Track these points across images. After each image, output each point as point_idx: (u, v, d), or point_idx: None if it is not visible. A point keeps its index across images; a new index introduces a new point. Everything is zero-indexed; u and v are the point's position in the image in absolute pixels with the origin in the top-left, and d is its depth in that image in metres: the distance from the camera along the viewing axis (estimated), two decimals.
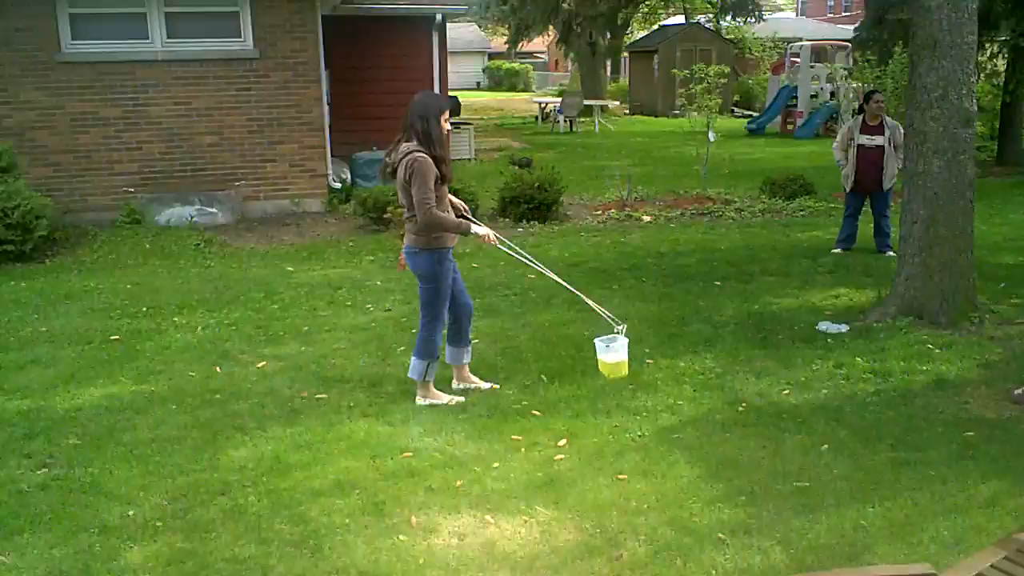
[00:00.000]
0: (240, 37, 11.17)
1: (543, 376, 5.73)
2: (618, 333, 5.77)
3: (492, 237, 5.38)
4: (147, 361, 6.21)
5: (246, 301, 7.71)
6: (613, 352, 5.74)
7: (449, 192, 5.33)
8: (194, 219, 10.89)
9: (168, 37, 10.98)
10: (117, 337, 6.74)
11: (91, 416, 5.24)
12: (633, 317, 7.00)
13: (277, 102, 11.35)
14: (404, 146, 5.04)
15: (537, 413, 5.14)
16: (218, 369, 6.03)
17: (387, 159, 5.18)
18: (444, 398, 5.41)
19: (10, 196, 9.13)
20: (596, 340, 5.83)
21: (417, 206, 4.99)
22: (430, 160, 4.96)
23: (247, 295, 7.90)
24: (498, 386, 5.61)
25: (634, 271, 8.69)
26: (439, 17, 15.15)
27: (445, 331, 5.50)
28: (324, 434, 4.90)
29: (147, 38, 10.93)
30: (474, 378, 5.71)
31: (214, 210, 11.07)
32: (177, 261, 9.38)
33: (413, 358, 5.39)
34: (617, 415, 5.09)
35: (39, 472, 4.53)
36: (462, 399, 5.41)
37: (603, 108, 26.10)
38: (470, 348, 5.70)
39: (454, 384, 5.64)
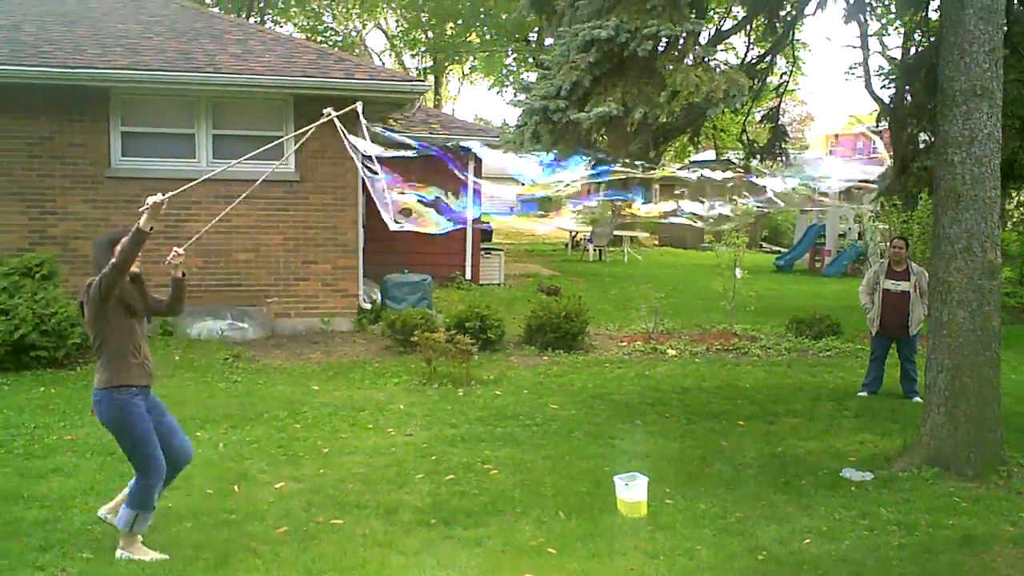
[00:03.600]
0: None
1: (560, 512, 5.68)
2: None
3: (158, 198, 4.60)
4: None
5: (270, 419, 7.76)
6: (632, 491, 5.69)
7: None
8: (225, 333, 11.06)
9: (214, 157, 11.40)
10: None
11: (107, 530, 5.22)
12: (654, 455, 6.97)
13: (314, 223, 11.67)
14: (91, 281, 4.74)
15: (552, 551, 5.07)
16: (236, 488, 6.03)
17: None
18: (149, 555, 4.87)
19: (48, 303, 9.35)
20: (616, 478, 5.79)
21: (89, 321, 4.75)
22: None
23: (271, 413, 7.95)
24: (167, 557, 4.88)
25: (657, 406, 8.66)
26: (475, 147, 15.58)
27: None
28: (337, 562, 4.86)
29: (194, 157, 11.36)
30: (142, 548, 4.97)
31: (245, 325, 11.25)
32: (205, 374, 9.48)
33: (124, 506, 4.89)
34: (634, 557, 5.01)
35: None
36: (166, 557, 4.86)
37: (633, 239, 26.46)
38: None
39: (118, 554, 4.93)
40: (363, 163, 5.31)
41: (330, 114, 5.21)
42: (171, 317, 5.79)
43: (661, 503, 5.85)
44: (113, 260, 4.60)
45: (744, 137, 13.81)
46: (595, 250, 24.13)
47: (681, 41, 7.42)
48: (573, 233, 26.52)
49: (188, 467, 6.33)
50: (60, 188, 11.02)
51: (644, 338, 12.02)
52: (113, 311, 4.77)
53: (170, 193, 4.74)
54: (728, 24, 19.51)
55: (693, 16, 7.63)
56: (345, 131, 5.33)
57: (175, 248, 5.01)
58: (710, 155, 34.66)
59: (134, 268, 4.83)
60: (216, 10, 24.40)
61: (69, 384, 8.88)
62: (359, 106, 5.33)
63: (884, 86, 15.56)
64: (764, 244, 30.25)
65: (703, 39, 11.17)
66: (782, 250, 27.75)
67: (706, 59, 8.01)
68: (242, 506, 5.69)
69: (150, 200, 4.57)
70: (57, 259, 10.13)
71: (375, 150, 5.28)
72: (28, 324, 9.09)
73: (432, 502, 5.85)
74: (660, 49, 7.32)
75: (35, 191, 10.94)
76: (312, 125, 5.31)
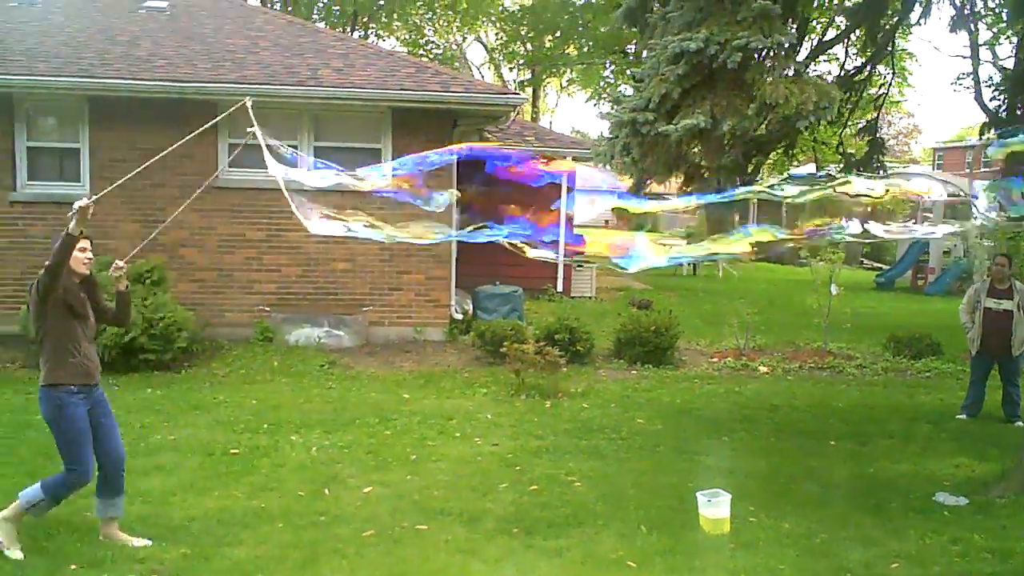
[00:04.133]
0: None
1: (642, 526, 5.68)
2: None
3: (85, 202, 4.62)
4: (262, 477, 6.48)
5: (361, 425, 7.97)
6: (715, 507, 5.66)
7: None
8: (321, 340, 11.39)
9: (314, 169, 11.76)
10: (237, 451, 7.07)
11: (203, 527, 5.48)
12: (740, 472, 6.90)
13: None
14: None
15: (632, 565, 5.09)
16: (326, 491, 6.23)
17: None
18: (9, 545, 4.94)
19: (156, 308, 9.82)
20: (698, 494, 5.77)
21: (31, 318, 4.99)
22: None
23: (363, 419, 8.17)
24: (149, 542, 5.13)
25: (745, 423, 8.57)
26: (569, 159, 15.73)
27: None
28: (420, 566, 4.98)
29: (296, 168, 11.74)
30: (122, 535, 5.21)
31: (341, 333, 11.57)
32: (301, 380, 9.79)
33: (38, 483, 5.04)
34: (714, 574, 4.99)
35: None
36: (19, 556, 4.90)
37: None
38: (119, 502, 5.25)
39: (100, 539, 5.18)
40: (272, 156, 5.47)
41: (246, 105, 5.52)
42: (119, 327, 5.88)
43: (744, 521, 5.79)
44: (47, 262, 4.75)
45: (841, 149, 13.53)
46: (689, 264, 23.92)
47: (772, 53, 7.36)
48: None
49: (281, 470, 6.59)
50: (170, 197, 11.52)
51: (735, 354, 11.88)
52: (53, 310, 4.91)
53: (95, 197, 4.89)
54: (831, 34, 19.14)
55: (786, 27, 7.56)
56: (261, 134, 5.52)
57: (117, 261, 5.16)
58: (811, 169, 33.96)
59: (83, 270, 5.04)
60: (321, 25, 25.15)
61: (174, 386, 9.29)
62: (248, 101, 5.51)
63: (994, 97, 15.03)
64: (864, 260, 29.45)
65: (804, 50, 11.04)
66: (883, 267, 26.98)
67: (804, 70, 7.93)
68: (331, 508, 5.88)
69: (77, 204, 4.62)
70: (165, 266, 10.63)
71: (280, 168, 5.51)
72: (138, 328, 9.56)
73: (515, 511, 5.93)
74: (751, 61, 7.28)
75: (147, 200, 11.47)
76: (220, 117, 5.60)
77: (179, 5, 14.37)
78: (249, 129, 5.35)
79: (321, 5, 29.64)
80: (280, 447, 7.22)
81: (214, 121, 5.89)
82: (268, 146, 5.39)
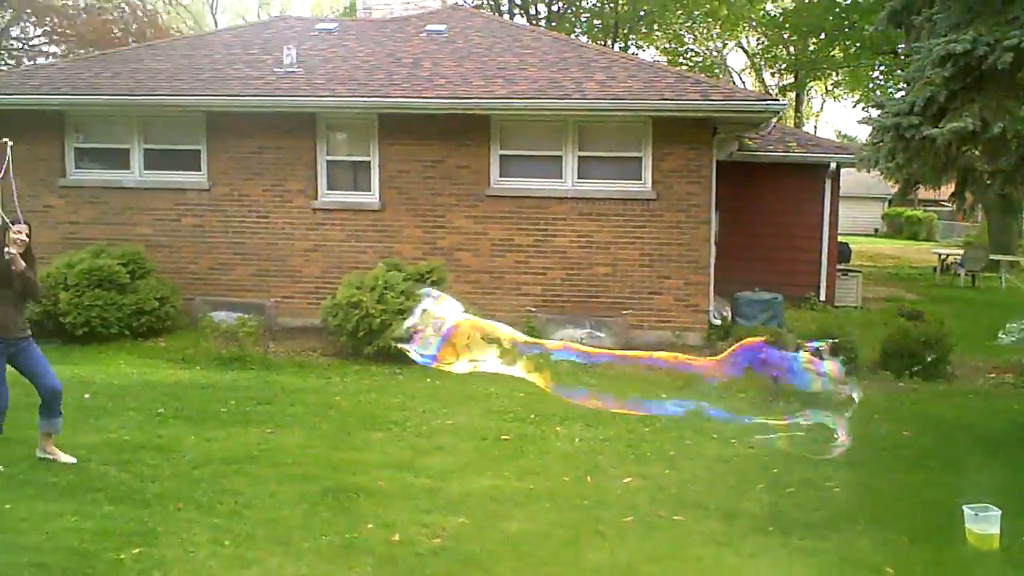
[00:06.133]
0: (640, 180, 12.23)
1: (904, 536, 5.63)
2: None
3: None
4: (529, 462, 7.02)
5: (621, 421, 8.33)
6: (983, 522, 5.50)
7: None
8: (583, 341, 11.90)
9: (578, 178, 12.34)
10: (507, 437, 7.67)
11: (478, 502, 6.06)
12: (1014, 489, 6.58)
13: (668, 240, 12.18)
14: None
15: (891, 571, 5.09)
16: (589, 479, 6.65)
17: None
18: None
19: None
20: (966, 507, 5.63)
21: None
22: None
23: (623, 415, 8.53)
24: (74, 460, 6.60)
25: None
26: (833, 165, 15.37)
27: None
28: (676, 553, 5.27)
29: (561, 178, 12.37)
30: (56, 450, 6.67)
31: (602, 334, 12.03)
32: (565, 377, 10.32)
33: None
34: None
35: (433, 540, 5.39)
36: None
37: (1012, 264, 24.11)
38: (57, 422, 6.69)
39: (38, 453, 6.67)
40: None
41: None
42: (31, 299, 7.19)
43: (1016, 539, 5.57)
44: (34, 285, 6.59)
45: None
46: (967, 275, 22.36)
47: None
48: (943, 256, 24.76)
49: (547, 457, 7.09)
50: (448, 205, 12.53)
51: (1017, 370, 11.12)
52: None
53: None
54: None
55: None
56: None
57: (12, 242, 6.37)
58: None
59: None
60: (584, 39, 25.94)
61: (452, 378, 10.00)
62: (7, 144, 6.37)
63: None
64: None
65: None
66: None
67: None
68: (593, 494, 6.29)
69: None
70: (443, 267, 11.57)
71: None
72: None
73: (771, 511, 6.06)
74: None
75: (428, 208, 12.54)
76: None
77: (456, 28, 15.48)
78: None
79: (583, 19, 30.50)
80: (546, 436, 7.75)
81: None
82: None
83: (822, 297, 15.90)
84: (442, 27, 15.36)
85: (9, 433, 7.15)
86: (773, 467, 7.06)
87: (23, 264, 6.46)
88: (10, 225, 6.42)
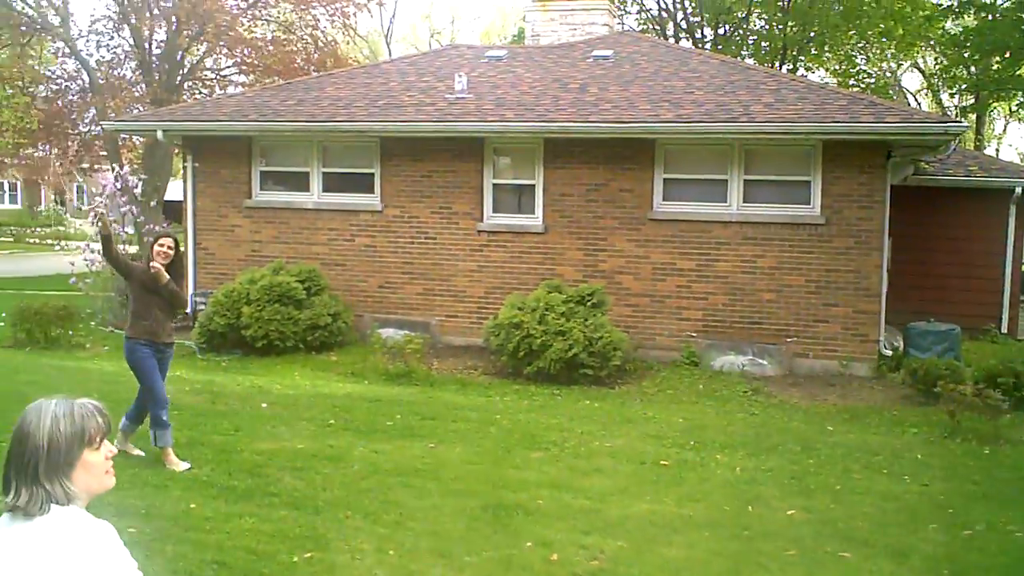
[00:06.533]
0: (808, 204, 11.92)
1: None
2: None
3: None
4: (689, 488, 6.95)
5: (783, 451, 8.14)
6: None
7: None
8: (745, 368, 11.68)
9: (743, 201, 12.15)
10: (666, 463, 7.62)
11: (637, 526, 6.06)
12: None
13: (836, 266, 11.80)
14: None
15: None
16: (750, 508, 6.52)
17: None
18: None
19: (596, 328, 10.80)
20: None
21: None
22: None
23: (784, 446, 8.33)
24: (189, 466, 6.95)
25: None
26: (1018, 190, 14.48)
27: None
28: None
29: (725, 201, 12.22)
30: (174, 459, 7.00)
31: (764, 362, 11.77)
32: (725, 404, 10.17)
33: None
34: None
35: (591, 562, 5.43)
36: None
37: None
38: (166, 434, 6.96)
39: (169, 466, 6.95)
40: None
41: None
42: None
43: None
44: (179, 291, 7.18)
45: None
46: None
47: None
48: None
49: (707, 484, 7.00)
50: (610, 228, 12.59)
51: None
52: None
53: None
54: None
55: None
56: None
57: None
58: None
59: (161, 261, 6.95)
60: (751, 62, 25.51)
61: (608, 400, 10.16)
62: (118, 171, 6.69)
63: None
64: None
65: None
66: None
67: None
68: (754, 524, 6.17)
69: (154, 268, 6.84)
70: (604, 290, 11.63)
71: None
72: (579, 345, 10.60)
73: (946, 552, 5.77)
74: None
75: (590, 230, 12.64)
76: None
77: (623, 52, 15.57)
78: None
79: (750, 42, 29.96)
80: (706, 463, 7.65)
81: None
82: None
83: (1003, 329, 14.97)
84: (608, 52, 15.49)
85: (193, 436, 7.72)
86: (948, 507, 6.72)
87: (167, 277, 6.91)
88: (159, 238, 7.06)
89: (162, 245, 6.96)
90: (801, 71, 30.18)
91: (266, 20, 25.34)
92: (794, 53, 29.60)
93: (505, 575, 5.21)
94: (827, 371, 11.82)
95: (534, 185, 13.00)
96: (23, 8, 24.32)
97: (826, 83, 23.72)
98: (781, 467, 7.64)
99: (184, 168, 14.62)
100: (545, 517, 6.18)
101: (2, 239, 43.38)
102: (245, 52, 23.97)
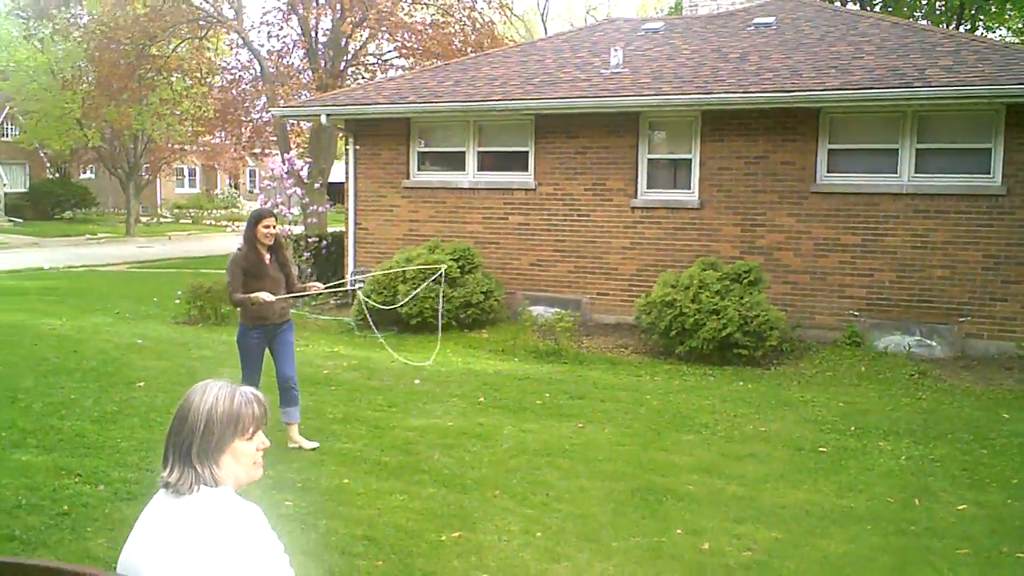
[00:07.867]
0: (988, 173, 11.09)
1: None
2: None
3: (263, 297, 6.62)
4: (849, 477, 6.60)
5: (953, 440, 7.63)
6: None
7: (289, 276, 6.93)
8: (911, 349, 11.02)
9: (915, 172, 11.42)
10: (825, 449, 7.27)
11: (793, 516, 5.80)
12: None
13: (1018, 240, 10.94)
14: None
15: None
16: (917, 501, 6.13)
17: None
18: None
19: (752, 307, 10.43)
20: None
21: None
22: (238, 256, 6.74)
23: (955, 434, 7.80)
24: (318, 445, 6.97)
25: None
26: None
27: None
28: None
29: (895, 172, 11.52)
30: (300, 438, 7.02)
31: (933, 343, 11.07)
32: (889, 388, 9.63)
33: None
34: None
35: (744, 553, 5.23)
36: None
37: None
38: (293, 411, 7.00)
39: (289, 444, 6.93)
40: None
41: None
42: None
43: None
44: (230, 299, 7.02)
45: None
46: None
47: None
48: None
49: (869, 474, 6.66)
50: (769, 203, 12.11)
51: None
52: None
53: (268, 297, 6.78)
54: None
55: None
56: None
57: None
58: None
59: (267, 242, 6.84)
60: (925, 23, 23.99)
61: (763, 382, 9.81)
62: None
63: None
64: None
65: None
66: None
67: None
68: (922, 519, 5.79)
69: (262, 297, 6.64)
70: (762, 267, 11.22)
71: None
72: (734, 324, 10.27)
73: None
74: None
75: (748, 205, 12.21)
76: None
77: (786, 19, 14.92)
78: None
79: (924, 2, 28.14)
80: (868, 451, 7.25)
81: None
82: None
83: None
84: (770, 19, 14.87)
85: (349, 411, 7.96)
86: None
87: (274, 296, 6.79)
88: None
89: (267, 226, 6.76)
90: (981, 31, 28.17)
91: (425, 4, 25.79)
92: (972, 12, 27.63)
93: (654, 563, 5.08)
94: (1003, 353, 10.99)
95: (690, 159, 12.66)
96: (201, 3, 25.74)
97: (1010, 43, 21.98)
98: (951, 457, 7.15)
99: (346, 151, 15.07)
100: (695, 503, 6.01)
101: (182, 221, 46.34)
102: (405, 36, 24.46)
